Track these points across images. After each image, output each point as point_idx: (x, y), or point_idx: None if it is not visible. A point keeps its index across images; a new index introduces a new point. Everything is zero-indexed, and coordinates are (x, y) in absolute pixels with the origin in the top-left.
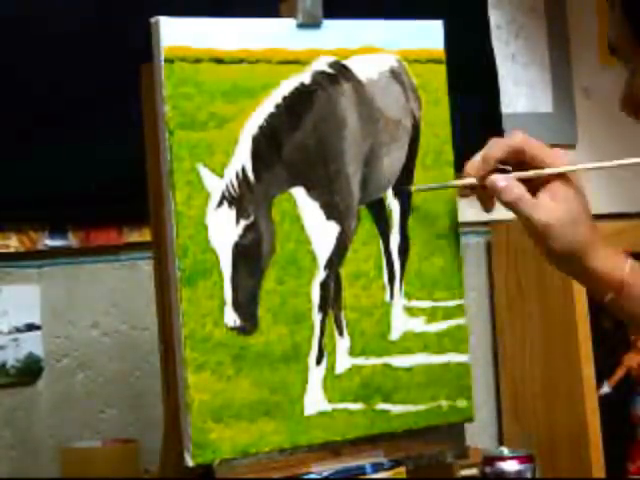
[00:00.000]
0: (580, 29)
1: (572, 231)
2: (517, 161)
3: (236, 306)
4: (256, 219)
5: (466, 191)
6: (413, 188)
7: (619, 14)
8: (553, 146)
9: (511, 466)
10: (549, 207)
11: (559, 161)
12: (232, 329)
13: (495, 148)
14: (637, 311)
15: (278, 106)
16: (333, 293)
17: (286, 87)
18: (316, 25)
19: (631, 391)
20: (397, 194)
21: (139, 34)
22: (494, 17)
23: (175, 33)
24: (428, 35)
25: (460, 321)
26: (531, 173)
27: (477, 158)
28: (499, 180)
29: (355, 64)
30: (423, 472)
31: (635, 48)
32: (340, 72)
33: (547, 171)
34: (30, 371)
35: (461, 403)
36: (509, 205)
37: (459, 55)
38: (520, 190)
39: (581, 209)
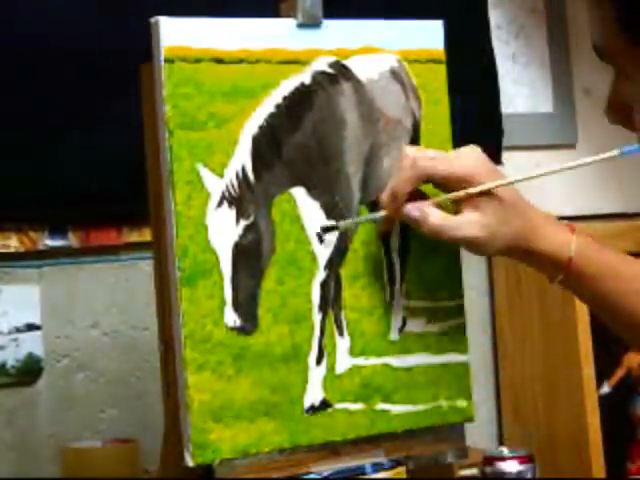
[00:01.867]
0: (580, 29)
1: (504, 231)
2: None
3: (236, 306)
4: (256, 219)
5: (389, 226)
6: (340, 225)
7: (606, 12)
8: (553, 146)
9: (511, 466)
10: (472, 220)
11: (469, 162)
12: (232, 329)
13: (401, 184)
14: (587, 290)
15: (278, 106)
16: (333, 293)
17: (286, 87)
18: (316, 25)
19: (631, 391)
20: None
21: (139, 34)
22: (494, 17)
23: (175, 33)
24: (428, 35)
25: (460, 321)
26: (439, 200)
27: (387, 194)
28: (412, 211)
29: (355, 64)
30: (423, 472)
31: (622, 48)
32: (340, 72)
33: (461, 193)
34: (30, 371)
35: (461, 403)
36: (429, 234)
37: (459, 55)
38: (435, 216)
39: (509, 204)
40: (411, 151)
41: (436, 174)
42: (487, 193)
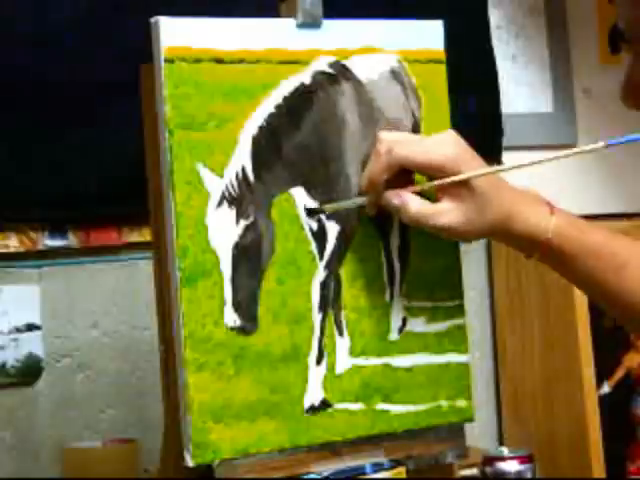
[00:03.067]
0: (580, 29)
1: (482, 218)
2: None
3: (236, 306)
4: (256, 219)
5: (373, 210)
6: (326, 208)
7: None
8: (553, 146)
9: (511, 466)
10: (449, 209)
11: (447, 150)
12: (232, 329)
13: (377, 171)
14: (568, 268)
15: (278, 106)
16: (333, 293)
17: (286, 87)
18: (316, 25)
19: (631, 391)
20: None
21: (139, 34)
22: (494, 17)
23: (175, 33)
24: (428, 35)
25: (460, 321)
26: (420, 187)
27: (365, 179)
28: (392, 198)
29: (355, 64)
30: (423, 472)
31: None
32: (340, 72)
33: (436, 183)
34: (30, 371)
35: (461, 403)
36: (409, 222)
37: (459, 55)
38: (415, 204)
39: (487, 189)
40: (387, 136)
41: (413, 162)
42: (465, 181)
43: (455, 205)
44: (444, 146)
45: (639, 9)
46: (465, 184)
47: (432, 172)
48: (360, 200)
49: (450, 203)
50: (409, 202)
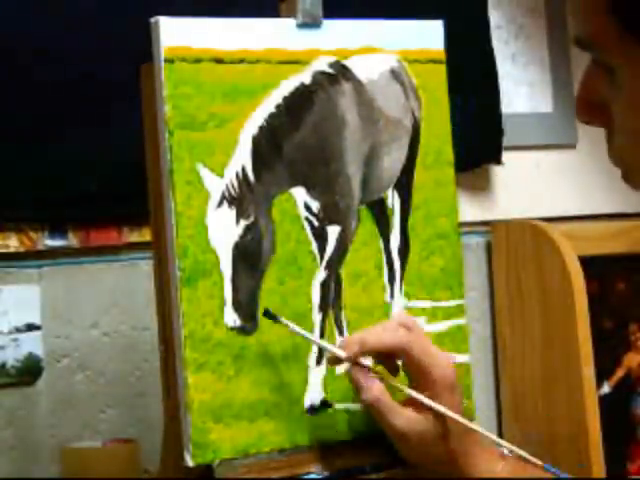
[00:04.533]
0: None
1: (427, 450)
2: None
3: (236, 306)
4: (256, 219)
5: (336, 361)
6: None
7: (601, 5)
8: (553, 146)
9: None
10: (410, 416)
11: (447, 373)
12: (232, 329)
13: (374, 340)
14: None
15: (278, 106)
16: (333, 293)
17: (286, 87)
18: (316, 25)
19: (631, 391)
20: (397, 193)
21: (139, 34)
22: (494, 17)
23: (175, 33)
24: (428, 35)
25: (460, 321)
26: (399, 386)
27: (355, 338)
28: (362, 377)
29: (355, 64)
30: (423, 472)
31: (612, 36)
32: (340, 72)
33: (418, 395)
34: (30, 371)
35: None
36: (368, 406)
37: (459, 55)
38: (380, 392)
39: (452, 426)
40: (410, 322)
41: (413, 353)
42: (439, 416)
43: (417, 418)
44: (448, 369)
45: (596, 14)
46: (436, 415)
47: (427, 365)
48: (331, 348)
49: (413, 411)
50: (375, 387)
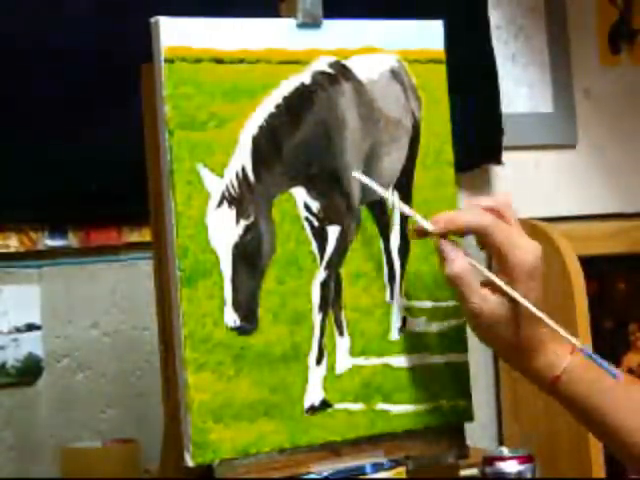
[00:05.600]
0: (580, 29)
1: (499, 333)
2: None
3: (236, 306)
4: (256, 219)
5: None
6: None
7: None
8: (553, 146)
9: (511, 466)
10: (486, 296)
11: (528, 258)
12: (232, 329)
13: (462, 219)
14: (573, 407)
15: (278, 106)
16: (333, 293)
17: (286, 87)
18: (316, 25)
19: None
20: (397, 193)
21: (139, 34)
22: (494, 17)
23: (175, 33)
24: (428, 35)
25: (460, 321)
26: (481, 269)
27: (445, 216)
28: (450, 250)
29: (355, 64)
30: (423, 472)
31: None
32: (340, 72)
33: (497, 281)
34: (30, 371)
35: (461, 403)
36: (449, 278)
37: (459, 55)
38: (463, 267)
39: (527, 316)
40: (503, 207)
41: (498, 236)
42: (518, 290)
43: (495, 303)
44: (530, 255)
45: None
46: (515, 303)
47: (508, 251)
48: (422, 221)
49: (492, 296)
50: (461, 264)
